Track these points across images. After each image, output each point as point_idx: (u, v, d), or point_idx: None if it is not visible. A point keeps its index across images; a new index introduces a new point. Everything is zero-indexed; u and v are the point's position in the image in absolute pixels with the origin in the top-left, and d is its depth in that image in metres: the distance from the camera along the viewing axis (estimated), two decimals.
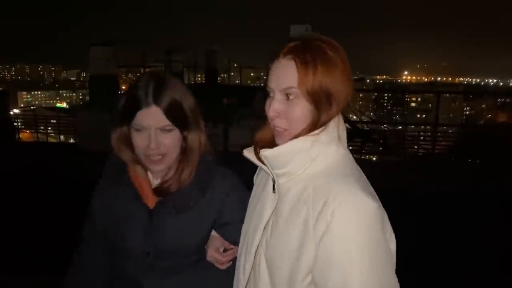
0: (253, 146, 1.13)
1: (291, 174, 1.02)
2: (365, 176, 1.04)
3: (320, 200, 0.95)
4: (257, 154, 1.09)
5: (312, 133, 1.00)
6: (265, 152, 1.02)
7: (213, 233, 1.32)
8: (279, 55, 1.00)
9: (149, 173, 1.28)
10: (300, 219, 0.98)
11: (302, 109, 0.99)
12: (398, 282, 0.97)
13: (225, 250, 1.34)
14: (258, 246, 1.07)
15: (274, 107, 1.01)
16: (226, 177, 1.32)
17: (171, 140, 1.19)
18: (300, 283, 0.99)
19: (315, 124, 1.00)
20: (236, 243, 1.21)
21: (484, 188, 5.35)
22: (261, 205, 1.10)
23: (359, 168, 1.06)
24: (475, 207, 4.74)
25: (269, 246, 1.04)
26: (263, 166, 1.07)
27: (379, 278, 0.92)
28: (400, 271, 1.04)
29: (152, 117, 1.15)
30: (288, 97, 0.99)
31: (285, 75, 0.99)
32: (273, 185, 1.06)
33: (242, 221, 1.19)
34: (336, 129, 1.04)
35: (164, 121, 1.16)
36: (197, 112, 1.25)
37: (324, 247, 0.93)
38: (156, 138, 1.16)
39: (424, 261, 3.46)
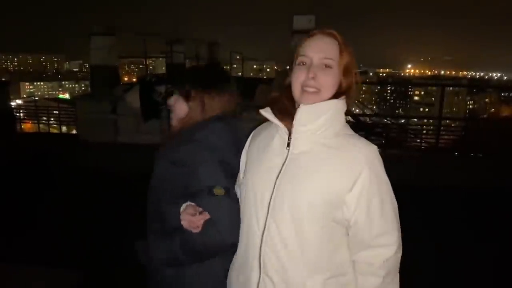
0: (268, 107, 1.32)
1: (313, 131, 1.23)
2: None
3: (349, 149, 1.22)
4: (273, 113, 1.29)
5: (341, 98, 1.26)
6: (305, 107, 1.22)
7: (188, 203, 1.42)
8: (316, 33, 1.26)
9: None
10: (330, 166, 1.20)
11: (334, 77, 1.24)
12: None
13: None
14: (272, 197, 1.23)
15: (314, 70, 1.21)
16: (204, 148, 1.45)
17: (173, 103, 1.63)
18: (327, 217, 1.20)
19: (340, 91, 1.26)
20: (205, 210, 1.37)
21: (487, 182, 5.31)
22: (269, 161, 1.28)
23: None
24: (477, 201, 4.72)
25: (295, 195, 1.20)
26: (279, 123, 1.27)
27: (393, 196, 1.28)
28: (403, 262, 1.29)
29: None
30: (325, 66, 1.22)
31: (327, 48, 1.23)
32: (288, 142, 1.26)
33: (210, 191, 1.37)
34: (346, 105, 1.29)
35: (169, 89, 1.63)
36: (201, 87, 1.59)
37: (364, 190, 1.19)
38: (169, 100, 1.66)
39: (425, 255, 3.43)
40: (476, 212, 4.51)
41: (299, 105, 1.24)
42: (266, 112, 1.30)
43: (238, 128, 1.58)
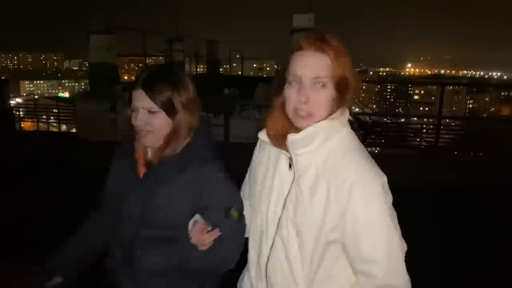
0: (265, 130, 1.29)
1: (311, 152, 1.18)
2: (366, 151, 1.23)
3: (339, 172, 1.15)
4: (270, 137, 1.28)
5: (332, 116, 1.18)
6: (292, 137, 1.18)
7: (197, 217, 1.37)
8: (305, 46, 1.15)
9: (148, 149, 1.44)
10: (323, 188, 1.16)
11: (328, 96, 1.16)
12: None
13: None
14: (280, 216, 1.24)
15: (305, 92, 1.15)
16: (212, 165, 1.38)
17: (155, 121, 1.34)
18: (326, 241, 1.18)
19: (337, 108, 1.19)
20: (215, 226, 1.31)
21: (486, 181, 5.30)
22: (278, 181, 1.27)
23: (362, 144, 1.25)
24: (477, 200, 4.71)
25: (297, 213, 1.20)
26: (279, 148, 1.25)
27: (395, 230, 1.17)
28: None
29: (138, 98, 1.33)
30: (315, 86, 1.14)
31: (317, 65, 1.13)
32: (290, 163, 1.23)
33: (221, 208, 1.32)
34: (347, 113, 1.22)
35: (149, 103, 1.32)
36: (190, 99, 1.38)
37: (351, 215, 1.14)
38: (141, 117, 1.33)
39: (423, 254, 3.42)
40: (476, 211, 4.50)
41: (294, 124, 1.22)
42: (264, 137, 1.30)
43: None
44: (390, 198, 1.18)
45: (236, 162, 1.49)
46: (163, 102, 1.32)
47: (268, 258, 1.29)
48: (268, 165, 1.34)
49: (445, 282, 3.30)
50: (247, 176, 1.51)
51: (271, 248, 1.28)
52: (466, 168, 6.03)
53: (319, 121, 1.17)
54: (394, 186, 1.26)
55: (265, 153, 1.37)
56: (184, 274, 1.39)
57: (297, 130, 1.20)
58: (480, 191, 4.88)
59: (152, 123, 1.34)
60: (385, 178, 1.17)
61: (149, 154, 1.44)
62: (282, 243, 1.25)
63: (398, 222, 1.21)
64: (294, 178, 1.22)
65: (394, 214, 1.19)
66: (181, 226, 1.35)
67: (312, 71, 1.14)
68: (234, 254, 1.36)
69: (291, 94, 1.17)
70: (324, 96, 1.15)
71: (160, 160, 1.38)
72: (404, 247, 1.21)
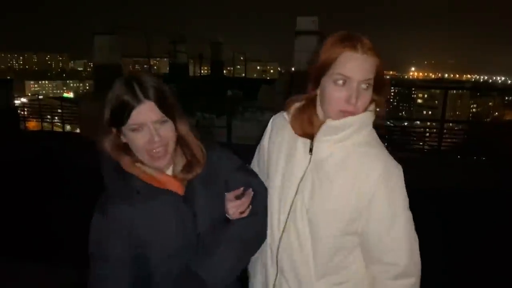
0: (284, 112, 1.35)
1: (336, 141, 1.22)
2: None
3: (365, 166, 1.19)
4: (292, 125, 1.31)
5: (368, 109, 1.23)
6: (332, 122, 1.21)
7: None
8: (360, 49, 1.16)
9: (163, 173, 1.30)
10: (347, 179, 1.19)
11: (369, 96, 1.21)
12: None
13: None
14: (293, 202, 1.26)
15: (356, 95, 1.17)
16: (223, 153, 1.40)
17: (168, 131, 1.22)
18: (343, 230, 1.21)
19: (371, 102, 1.23)
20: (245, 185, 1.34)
21: (489, 186, 5.28)
22: (292, 166, 1.29)
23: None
24: (480, 205, 4.68)
25: (313, 201, 1.22)
26: (297, 135, 1.29)
27: (412, 222, 1.24)
28: None
29: (147, 112, 1.18)
30: (363, 87, 1.18)
31: (370, 69, 1.17)
32: (310, 148, 1.26)
33: (242, 169, 1.38)
34: (373, 109, 1.26)
35: (159, 114, 1.19)
36: (177, 101, 1.29)
37: (376, 207, 1.18)
38: (156, 132, 1.19)
39: (425, 257, 3.42)
40: (479, 215, 4.48)
41: (325, 116, 1.25)
42: (286, 119, 1.34)
43: None
44: (405, 187, 1.25)
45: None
46: (170, 109, 1.22)
47: (279, 243, 1.30)
48: (280, 150, 1.35)
49: (446, 283, 3.29)
50: (254, 160, 1.54)
51: (282, 232, 1.29)
52: (469, 172, 6.01)
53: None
54: None
55: (278, 137, 1.38)
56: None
57: (321, 124, 1.24)
58: (483, 195, 4.86)
59: (166, 135, 1.22)
60: (401, 167, 1.24)
61: (168, 178, 1.28)
62: (295, 230, 1.26)
63: None
64: (309, 163, 1.25)
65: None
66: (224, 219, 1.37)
67: (363, 74, 1.16)
68: (265, 225, 1.36)
69: (337, 94, 1.18)
70: (368, 97, 1.20)
71: (194, 176, 1.29)
72: (417, 238, 1.28)
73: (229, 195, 1.32)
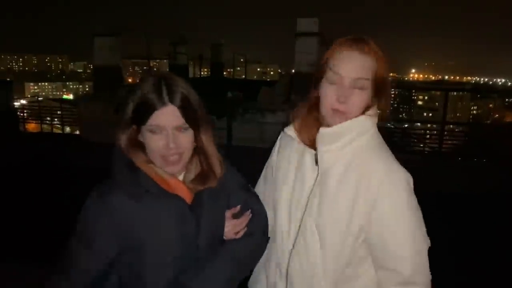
0: (292, 125, 1.31)
1: (338, 149, 1.19)
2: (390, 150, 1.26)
3: (367, 171, 1.16)
4: (297, 133, 1.29)
5: (368, 112, 1.20)
6: (325, 130, 1.19)
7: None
8: (353, 47, 1.15)
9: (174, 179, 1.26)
10: (350, 186, 1.16)
11: (365, 97, 1.17)
12: None
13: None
14: (303, 217, 1.23)
15: (345, 93, 1.15)
16: (230, 170, 1.36)
17: (186, 139, 1.19)
18: (353, 241, 1.18)
19: (371, 104, 1.20)
20: (243, 204, 1.33)
21: (490, 187, 5.27)
22: (300, 180, 1.26)
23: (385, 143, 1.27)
24: (480, 207, 4.67)
25: (321, 212, 1.20)
26: (304, 145, 1.26)
27: (421, 228, 1.20)
28: None
29: (169, 116, 1.14)
30: (355, 85, 1.15)
31: (362, 68, 1.14)
32: (315, 159, 1.23)
33: (240, 186, 1.35)
34: (377, 113, 1.23)
35: (180, 120, 1.16)
36: (204, 109, 1.24)
37: (379, 213, 1.14)
38: (174, 138, 1.15)
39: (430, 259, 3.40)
40: (480, 217, 4.47)
41: (325, 121, 1.23)
42: (291, 132, 1.31)
43: None
44: (414, 196, 1.20)
45: (239, 165, 1.48)
46: (194, 118, 1.18)
47: (289, 257, 1.27)
48: (290, 162, 1.33)
49: (450, 286, 3.27)
50: (261, 178, 1.51)
51: (292, 248, 1.26)
52: (470, 174, 6.00)
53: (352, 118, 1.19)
54: None
55: (286, 151, 1.37)
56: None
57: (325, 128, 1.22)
58: (484, 197, 4.85)
59: (183, 143, 1.18)
60: (411, 178, 1.19)
61: (176, 183, 1.24)
62: (305, 245, 1.24)
63: None
64: (318, 174, 1.22)
65: (419, 211, 1.20)
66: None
67: (355, 72, 1.15)
68: (264, 245, 1.35)
69: (329, 92, 1.18)
70: (362, 97, 1.17)
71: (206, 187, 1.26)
72: (428, 243, 1.23)
73: (227, 213, 1.31)
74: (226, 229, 1.29)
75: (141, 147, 1.21)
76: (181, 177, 1.26)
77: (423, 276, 1.21)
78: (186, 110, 1.15)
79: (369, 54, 1.15)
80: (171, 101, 1.13)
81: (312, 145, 1.25)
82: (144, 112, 1.14)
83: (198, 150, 1.26)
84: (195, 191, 1.25)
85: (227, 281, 1.25)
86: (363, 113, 1.19)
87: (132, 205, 1.17)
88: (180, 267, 1.21)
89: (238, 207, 1.32)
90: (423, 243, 1.20)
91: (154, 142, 1.16)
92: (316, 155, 1.23)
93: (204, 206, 1.25)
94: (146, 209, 1.18)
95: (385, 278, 1.22)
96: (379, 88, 1.18)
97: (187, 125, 1.17)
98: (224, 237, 1.30)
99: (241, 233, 1.30)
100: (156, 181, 1.20)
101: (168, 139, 1.15)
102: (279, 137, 1.43)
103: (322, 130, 1.19)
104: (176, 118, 1.15)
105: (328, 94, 1.18)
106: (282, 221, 1.30)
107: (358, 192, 1.16)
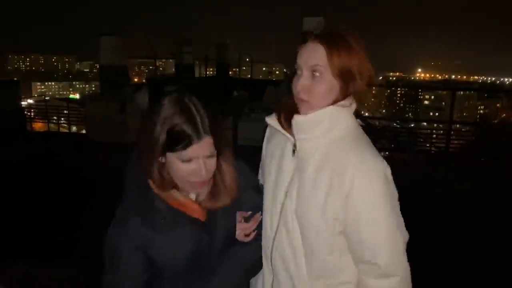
0: (275, 114, 1.32)
1: (315, 138, 1.20)
2: (371, 143, 1.24)
3: (342, 162, 1.16)
4: (279, 121, 1.29)
5: (341, 103, 1.19)
6: (298, 117, 1.21)
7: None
8: (308, 39, 1.18)
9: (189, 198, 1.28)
10: (325, 177, 1.17)
11: (326, 85, 1.17)
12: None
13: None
14: (283, 203, 1.25)
15: (301, 82, 1.18)
16: (243, 170, 1.37)
17: (214, 163, 1.19)
18: (330, 230, 1.19)
19: (343, 95, 1.19)
20: (253, 208, 1.35)
21: (497, 188, 5.24)
22: (282, 168, 1.29)
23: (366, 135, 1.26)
24: (488, 206, 4.65)
25: (299, 201, 1.22)
26: (284, 132, 1.26)
27: (397, 219, 1.19)
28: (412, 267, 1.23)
29: (204, 147, 1.13)
30: (314, 74, 1.16)
31: (313, 55, 1.16)
32: (293, 150, 1.25)
33: (251, 186, 1.37)
34: (354, 104, 1.22)
35: (212, 148, 1.15)
36: (226, 130, 1.28)
37: (352, 202, 1.15)
38: (205, 166, 1.15)
39: (433, 259, 3.38)
40: (487, 217, 4.44)
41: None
42: (271, 120, 1.32)
43: None
44: (392, 188, 1.19)
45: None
46: (222, 143, 1.19)
47: (272, 245, 1.30)
48: (274, 154, 1.35)
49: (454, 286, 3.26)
50: (259, 173, 1.53)
51: (274, 237, 1.29)
52: (477, 174, 5.96)
53: (322, 107, 1.19)
54: (403, 191, 1.25)
55: (270, 143, 1.40)
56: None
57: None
58: (492, 197, 4.82)
59: (212, 168, 1.18)
60: (388, 169, 1.18)
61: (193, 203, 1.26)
62: (286, 232, 1.26)
63: (408, 226, 1.22)
64: (296, 165, 1.24)
65: (396, 202, 1.19)
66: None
67: (308, 61, 1.17)
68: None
69: (294, 82, 1.21)
70: (320, 85, 1.16)
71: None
72: (406, 236, 1.21)
73: (238, 216, 1.34)
74: (236, 232, 1.32)
75: (161, 169, 1.19)
76: (193, 195, 1.27)
77: (400, 267, 1.20)
78: (217, 138, 1.15)
79: (323, 42, 1.15)
80: (206, 132, 1.11)
81: (291, 133, 1.27)
82: (177, 143, 1.10)
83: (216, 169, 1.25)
84: (209, 209, 1.27)
85: (234, 286, 1.32)
86: (335, 102, 1.19)
87: (149, 231, 1.20)
88: (194, 277, 1.27)
89: (249, 213, 1.34)
90: (398, 233, 1.18)
91: (184, 170, 1.14)
92: (294, 145, 1.25)
93: (218, 222, 1.28)
94: (163, 235, 1.21)
95: (363, 271, 1.22)
96: (344, 78, 1.16)
97: (215, 152, 1.16)
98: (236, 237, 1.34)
99: (252, 235, 1.33)
100: (172, 204, 1.22)
101: (200, 167, 1.13)
102: (267, 129, 1.45)
103: (296, 117, 1.21)
104: (209, 147, 1.14)
105: (294, 84, 1.21)
106: (267, 207, 1.32)
107: (334, 182, 1.16)
